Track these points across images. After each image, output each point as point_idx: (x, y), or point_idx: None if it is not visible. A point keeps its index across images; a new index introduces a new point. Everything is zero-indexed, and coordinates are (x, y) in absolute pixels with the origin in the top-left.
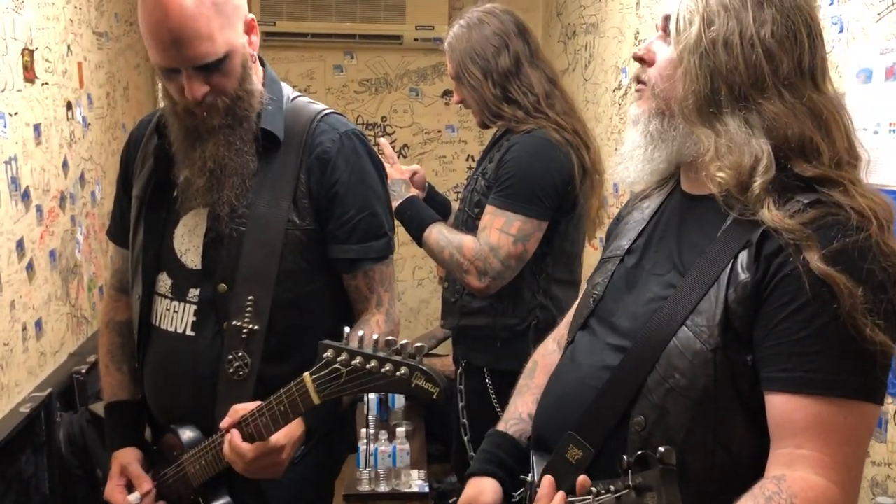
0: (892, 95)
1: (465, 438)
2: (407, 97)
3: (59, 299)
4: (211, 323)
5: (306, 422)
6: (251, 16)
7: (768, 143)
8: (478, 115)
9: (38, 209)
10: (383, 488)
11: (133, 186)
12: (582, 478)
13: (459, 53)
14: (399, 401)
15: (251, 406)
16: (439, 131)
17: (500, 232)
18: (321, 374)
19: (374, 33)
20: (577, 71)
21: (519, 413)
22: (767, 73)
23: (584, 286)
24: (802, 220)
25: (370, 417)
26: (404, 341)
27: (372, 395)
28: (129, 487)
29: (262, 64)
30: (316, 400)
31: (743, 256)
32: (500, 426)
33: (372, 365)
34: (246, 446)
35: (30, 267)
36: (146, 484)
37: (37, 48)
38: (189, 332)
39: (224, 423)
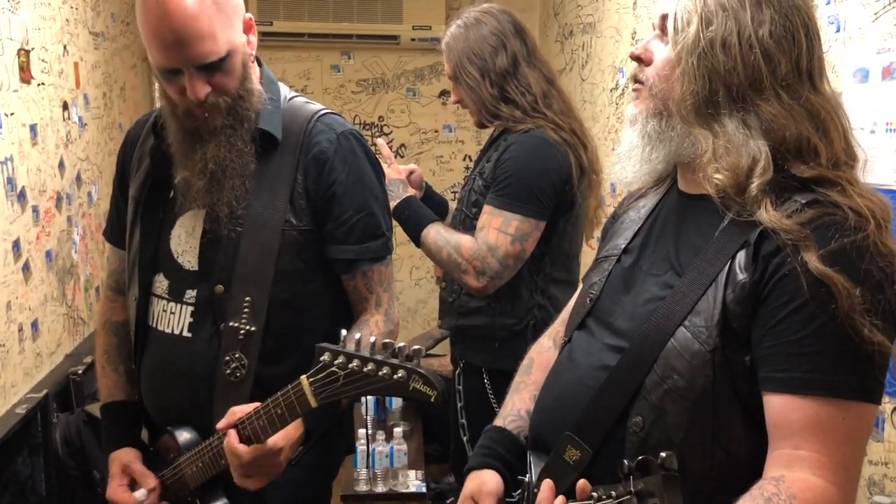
0: (888, 95)
1: (464, 439)
2: (404, 97)
3: (55, 300)
4: (208, 324)
5: (305, 423)
6: (249, 15)
7: (766, 144)
8: (475, 115)
9: (35, 210)
10: (381, 489)
11: (129, 187)
12: (582, 482)
13: (457, 53)
14: (396, 401)
15: (248, 408)
16: (436, 131)
17: (498, 231)
18: (318, 377)
19: (371, 33)
20: (575, 71)
21: (517, 410)
22: (765, 74)
23: (580, 286)
24: (800, 221)
25: (368, 418)
26: (401, 344)
27: (369, 396)
28: (131, 487)
29: (259, 64)
30: (313, 403)
31: (741, 257)
32: (498, 422)
33: (369, 368)
34: (243, 448)
35: (26, 268)
36: (151, 480)
37: (33, 48)
38: (186, 333)
39: (220, 425)
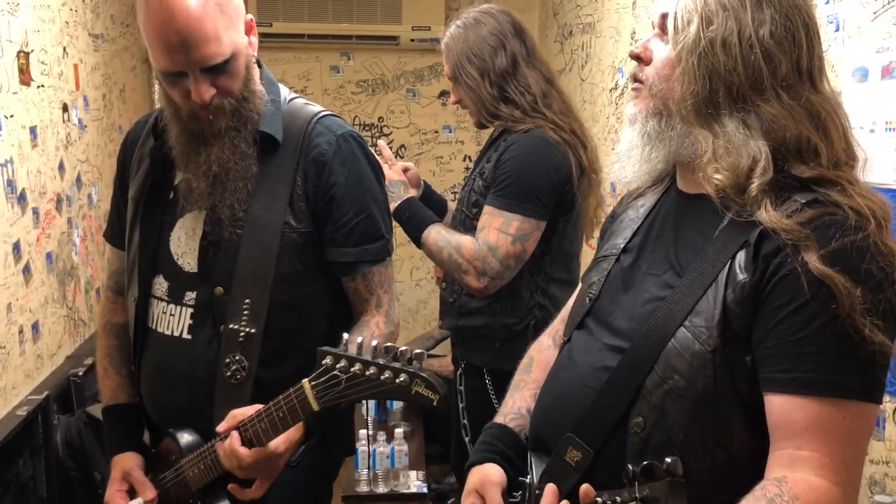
0: (887, 94)
1: (466, 439)
2: (404, 98)
3: (55, 302)
4: (207, 326)
5: (305, 424)
6: (250, 16)
7: (766, 144)
8: (475, 116)
9: (35, 212)
10: (382, 489)
11: (129, 188)
12: (585, 487)
13: (456, 54)
14: (397, 402)
15: (249, 410)
16: (436, 132)
17: (499, 232)
18: (320, 380)
19: (371, 34)
20: (574, 71)
21: (517, 408)
22: (766, 75)
23: (580, 285)
24: (800, 220)
25: (369, 418)
26: (403, 347)
27: None
28: (131, 493)
29: (259, 65)
30: (315, 407)
31: (741, 256)
32: (499, 419)
33: (371, 372)
34: (244, 451)
35: (26, 270)
36: (150, 491)
37: (32, 50)
38: (185, 336)
39: (221, 427)
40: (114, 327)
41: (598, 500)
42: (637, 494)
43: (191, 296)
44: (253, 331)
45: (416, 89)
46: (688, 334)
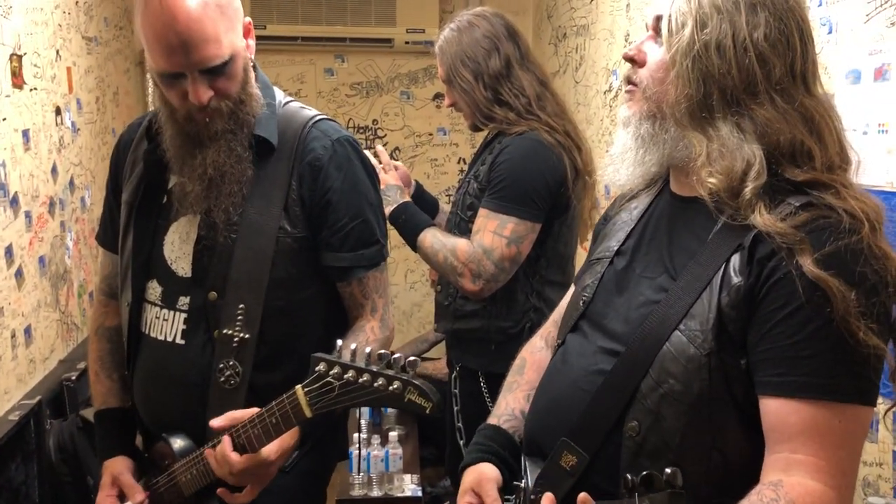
0: (880, 96)
1: (461, 443)
2: (398, 100)
3: (48, 306)
4: (201, 331)
5: (300, 429)
6: (248, 19)
7: (760, 148)
8: (469, 118)
9: (27, 215)
10: (376, 493)
11: (123, 191)
12: (583, 496)
13: (450, 57)
14: None
15: (248, 413)
16: (430, 134)
17: (494, 234)
18: (313, 387)
19: (365, 36)
20: (568, 73)
21: (511, 409)
22: (760, 78)
23: (573, 287)
24: (794, 224)
25: (363, 422)
26: (397, 355)
27: None
28: (121, 497)
29: (255, 68)
30: (308, 413)
31: (735, 260)
32: (493, 420)
33: (364, 379)
34: (235, 457)
35: (19, 273)
36: (139, 495)
37: (25, 53)
38: (179, 341)
39: (216, 423)
40: (106, 331)
41: None
42: None
43: (184, 300)
44: (247, 336)
45: (411, 92)
46: (682, 338)
